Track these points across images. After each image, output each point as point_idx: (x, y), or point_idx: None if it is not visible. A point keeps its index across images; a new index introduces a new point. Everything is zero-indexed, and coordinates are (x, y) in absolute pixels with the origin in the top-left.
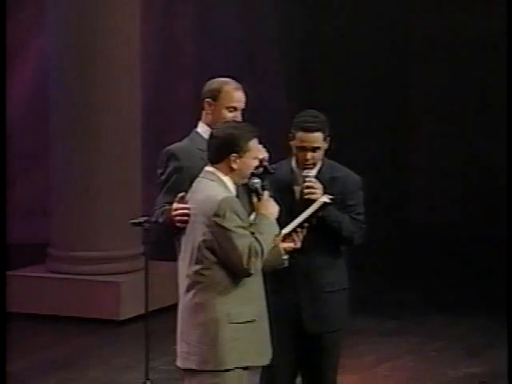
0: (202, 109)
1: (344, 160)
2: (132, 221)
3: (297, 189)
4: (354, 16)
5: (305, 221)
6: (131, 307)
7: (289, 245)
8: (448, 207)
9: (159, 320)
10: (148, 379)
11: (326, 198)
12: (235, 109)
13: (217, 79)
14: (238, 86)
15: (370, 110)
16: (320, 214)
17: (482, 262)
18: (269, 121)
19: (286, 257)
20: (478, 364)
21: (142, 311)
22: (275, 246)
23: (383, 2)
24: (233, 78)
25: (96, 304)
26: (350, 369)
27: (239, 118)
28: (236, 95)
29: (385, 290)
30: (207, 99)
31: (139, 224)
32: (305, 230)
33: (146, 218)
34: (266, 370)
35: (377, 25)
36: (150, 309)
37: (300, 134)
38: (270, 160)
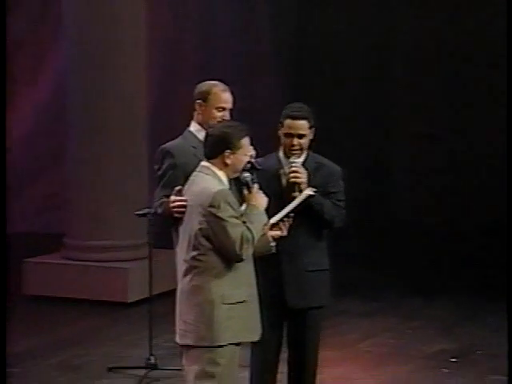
0: (194, 110)
1: (332, 154)
2: (137, 212)
3: (283, 175)
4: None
5: (290, 211)
6: (138, 291)
7: (276, 233)
8: (427, 204)
9: (162, 302)
10: (152, 355)
11: (310, 191)
12: (224, 109)
13: (206, 82)
14: (226, 87)
15: (357, 108)
16: (304, 205)
17: (456, 252)
18: (261, 118)
19: (273, 244)
20: (450, 341)
21: (147, 295)
22: (264, 234)
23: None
24: (221, 80)
25: (106, 288)
26: (334, 346)
27: (227, 117)
28: (224, 96)
29: (367, 276)
30: (198, 100)
31: (143, 215)
32: (291, 220)
33: (149, 210)
34: (255, 344)
35: (364, 25)
36: (154, 292)
37: (287, 122)
38: (258, 155)
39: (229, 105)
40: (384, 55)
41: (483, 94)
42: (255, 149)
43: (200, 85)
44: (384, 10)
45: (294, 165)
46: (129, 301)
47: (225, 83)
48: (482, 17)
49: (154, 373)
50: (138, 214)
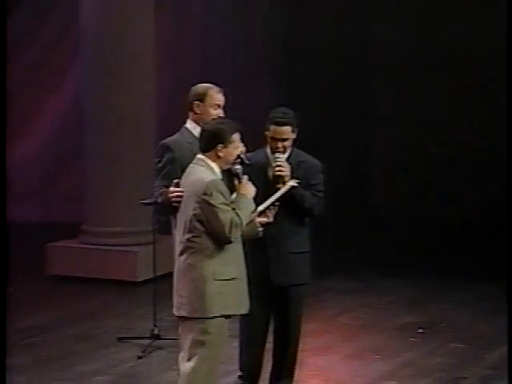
0: (190, 109)
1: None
2: (142, 201)
3: (270, 169)
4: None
5: (276, 200)
6: (145, 271)
7: (263, 219)
8: (402, 192)
9: (165, 282)
10: (156, 326)
11: (293, 182)
12: (218, 106)
13: (201, 85)
14: (219, 89)
15: (338, 106)
16: (288, 195)
17: (426, 236)
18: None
19: (260, 229)
20: (418, 315)
21: (152, 275)
22: (252, 221)
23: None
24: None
25: (118, 269)
26: (316, 319)
27: (222, 114)
28: (219, 96)
29: (347, 258)
30: (195, 101)
31: (148, 204)
32: (276, 208)
33: (150, 199)
34: (244, 318)
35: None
36: (158, 273)
37: (273, 127)
38: (248, 151)
39: (222, 103)
40: (364, 58)
41: (460, 94)
42: (245, 145)
43: (195, 87)
44: (368, 14)
45: (278, 160)
46: (137, 280)
47: (218, 85)
48: (460, 17)
49: (158, 342)
50: (143, 203)
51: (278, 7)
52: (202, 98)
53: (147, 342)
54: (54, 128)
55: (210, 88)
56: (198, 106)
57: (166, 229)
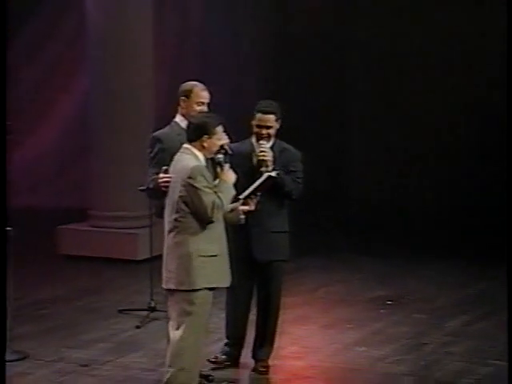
0: (178, 104)
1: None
2: (139, 188)
3: (254, 157)
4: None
5: (256, 189)
6: (144, 251)
7: (245, 207)
8: (375, 181)
9: (161, 260)
10: (152, 300)
11: (273, 173)
12: (202, 103)
13: (188, 82)
14: (204, 87)
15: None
16: (268, 185)
17: (395, 221)
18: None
19: (242, 216)
20: (387, 289)
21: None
22: (235, 209)
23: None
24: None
25: (120, 249)
26: (296, 293)
27: (205, 110)
28: (203, 94)
29: (325, 239)
30: (182, 97)
31: (143, 190)
32: (258, 197)
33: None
34: (229, 291)
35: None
36: (155, 253)
37: (258, 115)
38: (232, 141)
39: (206, 100)
40: (345, 56)
41: (436, 88)
42: (229, 135)
43: (183, 85)
44: (350, 13)
45: (262, 146)
46: (137, 259)
47: (203, 83)
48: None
49: (154, 314)
50: (140, 190)
51: (265, 7)
52: (187, 94)
53: (145, 313)
54: (66, 125)
55: (195, 86)
56: (184, 101)
57: (162, 213)
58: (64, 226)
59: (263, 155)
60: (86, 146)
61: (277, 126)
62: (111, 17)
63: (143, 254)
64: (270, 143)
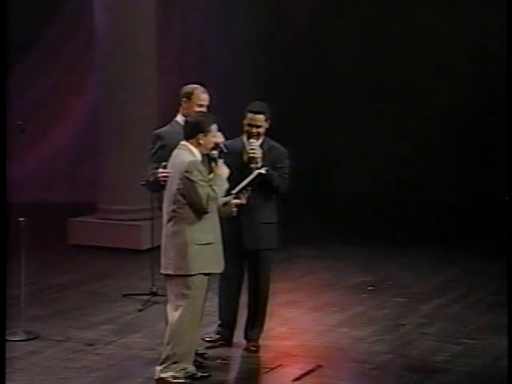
0: (179, 105)
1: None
2: (141, 182)
3: (245, 153)
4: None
5: (248, 185)
6: (147, 241)
7: (237, 201)
8: (363, 175)
9: None
10: (154, 285)
11: (263, 170)
12: (202, 105)
13: (190, 85)
14: (204, 89)
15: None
16: (258, 181)
17: (383, 214)
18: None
19: (235, 209)
20: (369, 275)
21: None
22: (228, 203)
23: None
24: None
25: (126, 239)
26: (285, 279)
27: (205, 111)
28: (203, 96)
29: (313, 231)
30: (183, 98)
31: (144, 184)
32: (248, 192)
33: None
34: (222, 276)
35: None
36: (156, 243)
37: (250, 115)
38: (227, 139)
39: (206, 102)
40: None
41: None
42: (224, 134)
43: (185, 87)
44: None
45: (252, 144)
46: (141, 248)
47: (204, 86)
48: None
49: (155, 298)
50: (141, 184)
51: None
52: (189, 96)
53: (146, 297)
54: (78, 127)
55: (196, 88)
56: (186, 102)
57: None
58: (74, 219)
59: (253, 153)
60: (95, 147)
61: (266, 125)
62: (118, 30)
63: (146, 244)
64: (260, 141)
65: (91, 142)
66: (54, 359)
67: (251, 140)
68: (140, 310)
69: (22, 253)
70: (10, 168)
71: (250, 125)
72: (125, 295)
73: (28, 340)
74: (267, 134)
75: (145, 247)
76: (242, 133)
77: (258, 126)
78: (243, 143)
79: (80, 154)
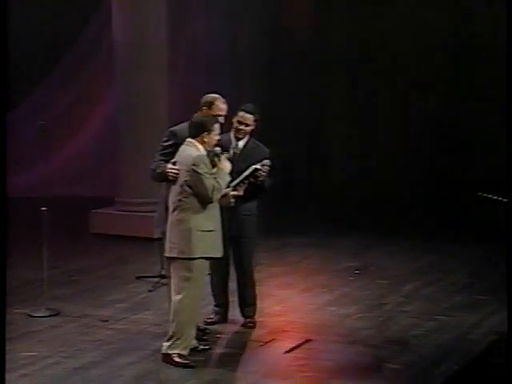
0: (199, 110)
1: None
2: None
3: (231, 149)
4: None
5: (244, 179)
6: (159, 231)
7: (234, 193)
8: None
9: None
10: (163, 268)
11: (258, 165)
12: (221, 115)
13: (211, 95)
14: (224, 100)
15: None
16: (254, 174)
17: (369, 205)
18: None
19: (233, 200)
20: (356, 261)
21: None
22: (226, 194)
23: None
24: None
25: (140, 228)
26: (281, 264)
27: (223, 121)
28: (223, 107)
29: (306, 221)
30: (204, 107)
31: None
32: (245, 185)
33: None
34: (212, 262)
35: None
36: None
37: (241, 113)
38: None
39: (224, 112)
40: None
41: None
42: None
43: (206, 96)
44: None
45: (238, 147)
46: (153, 237)
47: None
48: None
49: (164, 280)
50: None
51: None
52: (209, 105)
53: (156, 280)
54: (100, 130)
55: (217, 99)
56: (206, 110)
57: None
58: (95, 210)
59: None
60: (114, 148)
61: (253, 126)
62: (133, 47)
63: (156, 233)
64: (245, 140)
65: (111, 143)
66: (72, 333)
67: (238, 142)
68: (150, 291)
69: (44, 239)
70: (40, 166)
71: (239, 122)
72: (137, 277)
73: (50, 316)
74: (252, 134)
75: (156, 236)
76: (228, 130)
77: (247, 125)
78: (230, 139)
79: (101, 154)
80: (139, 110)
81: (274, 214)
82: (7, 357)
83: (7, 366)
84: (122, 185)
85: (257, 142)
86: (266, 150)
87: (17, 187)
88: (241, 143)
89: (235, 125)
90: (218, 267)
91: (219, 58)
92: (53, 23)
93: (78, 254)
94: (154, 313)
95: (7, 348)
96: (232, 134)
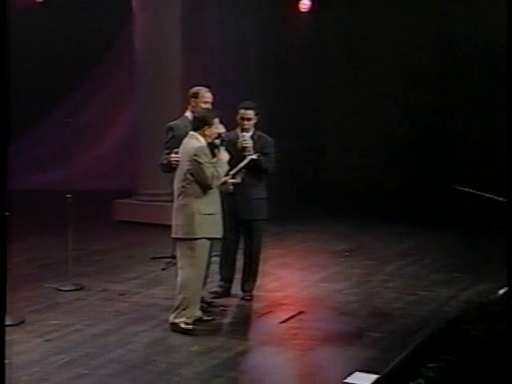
0: (188, 103)
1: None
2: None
3: (239, 143)
4: None
5: (242, 168)
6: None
7: (233, 180)
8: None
9: None
10: (175, 249)
11: (254, 156)
12: (207, 102)
13: (196, 87)
14: (208, 89)
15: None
16: (250, 164)
17: (361, 197)
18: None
19: (231, 187)
20: (347, 244)
21: None
22: (226, 182)
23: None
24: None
25: (157, 216)
26: (280, 247)
27: (210, 107)
28: (207, 95)
29: (304, 209)
30: (192, 98)
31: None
32: (242, 174)
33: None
34: (223, 242)
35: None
36: None
37: (242, 111)
38: (228, 130)
39: (210, 100)
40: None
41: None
42: (226, 126)
43: (192, 89)
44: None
45: (245, 137)
46: (167, 223)
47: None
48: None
49: (175, 260)
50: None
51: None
52: (196, 95)
53: (168, 260)
54: (124, 134)
55: (201, 89)
56: (193, 101)
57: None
58: (118, 200)
59: (245, 143)
60: (134, 148)
61: (255, 119)
62: (152, 62)
63: (170, 220)
64: (251, 132)
65: (132, 144)
66: (93, 305)
67: (244, 133)
68: (163, 269)
69: (69, 223)
70: (73, 164)
71: (242, 118)
72: (152, 258)
73: (74, 290)
74: (256, 126)
75: (169, 223)
76: (236, 126)
77: (249, 119)
78: (237, 134)
79: (124, 153)
80: (155, 117)
81: (276, 203)
82: (35, 326)
83: (35, 333)
84: (141, 179)
85: (261, 133)
86: (270, 140)
87: (53, 181)
88: (247, 135)
89: (239, 122)
90: (229, 247)
91: (232, 73)
92: (79, 45)
93: (102, 238)
94: (165, 288)
95: (36, 318)
96: (238, 130)
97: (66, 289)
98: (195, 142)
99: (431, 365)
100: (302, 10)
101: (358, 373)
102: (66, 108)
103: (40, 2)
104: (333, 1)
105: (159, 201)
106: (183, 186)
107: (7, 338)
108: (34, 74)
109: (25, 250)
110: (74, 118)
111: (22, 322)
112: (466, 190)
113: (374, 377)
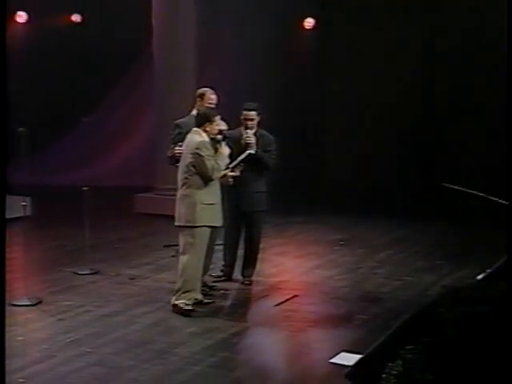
0: (195, 103)
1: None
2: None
3: (243, 140)
4: None
5: (241, 162)
6: None
7: (232, 173)
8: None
9: None
10: None
11: (252, 151)
12: (211, 103)
13: (203, 88)
14: (213, 92)
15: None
16: (249, 158)
17: (357, 194)
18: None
19: (231, 180)
20: (342, 234)
21: None
22: (225, 175)
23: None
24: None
25: (171, 209)
26: (281, 237)
27: (214, 107)
28: (212, 97)
29: (304, 203)
30: (198, 98)
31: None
32: (241, 167)
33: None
34: (226, 231)
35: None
36: None
37: (245, 112)
38: (230, 128)
39: (214, 101)
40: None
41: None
42: (227, 123)
43: (199, 89)
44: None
45: (248, 134)
46: None
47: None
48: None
49: None
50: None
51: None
52: (202, 96)
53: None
54: (145, 137)
55: (207, 91)
56: (199, 101)
57: None
58: (139, 195)
59: (248, 139)
60: (154, 149)
61: (258, 119)
62: (167, 74)
63: None
64: (253, 130)
65: (153, 146)
66: (105, 288)
67: (247, 130)
68: (173, 256)
69: (85, 214)
70: (99, 164)
71: (245, 118)
72: (165, 246)
73: (90, 274)
74: (259, 125)
75: None
76: (239, 125)
77: (252, 119)
78: (240, 132)
79: (146, 154)
80: (171, 123)
81: (278, 197)
82: (51, 306)
83: (49, 312)
84: (159, 175)
85: (263, 131)
86: (272, 138)
87: (85, 178)
88: (251, 132)
89: (243, 121)
90: (232, 235)
91: (244, 81)
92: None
93: (121, 228)
94: (173, 273)
95: (52, 299)
96: (242, 128)
97: (83, 273)
98: (197, 136)
99: (409, 347)
100: (307, 28)
101: (343, 353)
102: (98, 114)
103: (78, 23)
104: (335, 19)
105: (174, 195)
106: (186, 178)
107: (24, 317)
108: (73, 81)
109: (51, 238)
110: (102, 124)
111: (40, 303)
112: (453, 186)
113: (359, 357)
